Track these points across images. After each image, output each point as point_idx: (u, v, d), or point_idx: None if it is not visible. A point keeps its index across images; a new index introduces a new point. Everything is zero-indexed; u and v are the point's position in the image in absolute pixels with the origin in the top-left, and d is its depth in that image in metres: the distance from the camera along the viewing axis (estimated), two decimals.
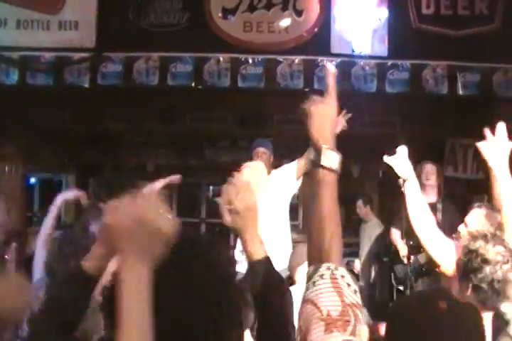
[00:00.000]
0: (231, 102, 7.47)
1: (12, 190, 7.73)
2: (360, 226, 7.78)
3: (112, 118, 8.07)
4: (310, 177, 1.54)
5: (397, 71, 6.18)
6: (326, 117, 1.62)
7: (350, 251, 7.73)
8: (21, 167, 7.90)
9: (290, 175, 5.39)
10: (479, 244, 2.20)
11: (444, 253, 2.56)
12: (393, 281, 6.10)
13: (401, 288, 5.94)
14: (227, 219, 1.64)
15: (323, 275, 1.36)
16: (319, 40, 6.11)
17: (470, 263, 2.17)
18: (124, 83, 6.19)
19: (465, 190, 7.72)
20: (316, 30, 6.13)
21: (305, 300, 1.35)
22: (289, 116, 8.14)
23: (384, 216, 8.99)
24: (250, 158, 5.28)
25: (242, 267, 5.09)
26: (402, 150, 2.94)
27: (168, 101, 7.58)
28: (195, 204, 10.19)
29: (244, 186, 1.69)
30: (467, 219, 3.33)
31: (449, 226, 5.60)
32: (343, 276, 1.37)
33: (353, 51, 6.09)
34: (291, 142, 8.65)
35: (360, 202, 7.69)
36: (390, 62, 6.18)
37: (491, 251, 2.14)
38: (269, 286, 1.62)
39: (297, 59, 6.12)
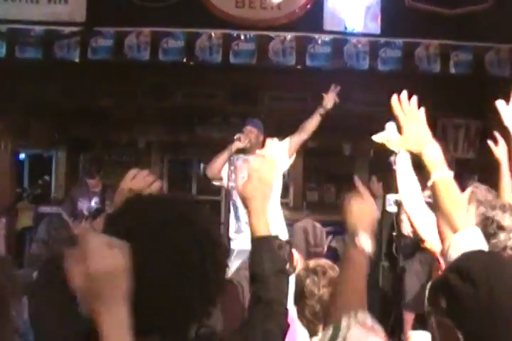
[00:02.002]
0: (223, 78, 7.44)
1: (2, 166, 7.70)
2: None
3: (102, 93, 8.02)
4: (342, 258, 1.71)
5: (390, 49, 6.14)
6: (366, 212, 1.77)
7: (339, 229, 7.75)
8: (10, 143, 7.85)
9: (282, 152, 5.38)
10: (496, 212, 2.26)
11: (430, 229, 2.58)
12: (394, 251, 6.18)
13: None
14: (240, 185, 1.73)
15: (349, 326, 1.42)
16: (312, 17, 6.05)
17: (485, 229, 2.18)
18: (115, 58, 6.13)
19: (455, 169, 7.76)
20: (308, 6, 6.07)
21: None
22: (280, 92, 8.11)
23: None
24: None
25: (235, 244, 5.12)
26: (391, 126, 2.94)
27: (160, 77, 7.54)
28: (185, 181, 10.19)
29: (268, 161, 1.79)
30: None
31: None
32: (365, 317, 1.45)
33: (345, 28, 6.05)
34: (282, 118, 8.64)
35: (374, 178, 7.79)
36: (382, 40, 6.15)
37: (507, 219, 2.18)
38: (269, 266, 1.63)
39: (289, 35, 6.07)
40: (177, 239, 1.26)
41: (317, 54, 6.09)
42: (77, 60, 6.15)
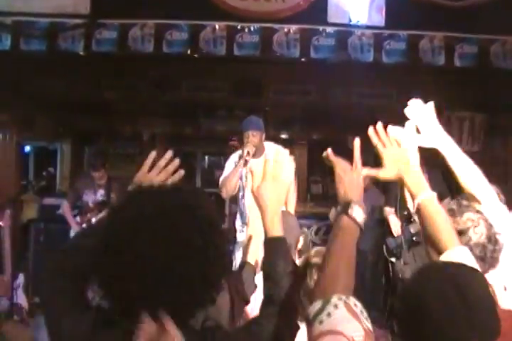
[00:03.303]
0: (227, 70, 7.43)
1: (7, 158, 7.72)
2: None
3: (106, 86, 8.02)
4: (334, 226, 1.66)
5: (394, 41, 6.12)
6: (354, 181, 1.81)
7: None
8: (16, 135, 7.86)
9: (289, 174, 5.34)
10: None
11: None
12: (385, 253, 6.18)
13: (393, 259, 6.02)
14: (255, 186, 1.79)
15: (337, 305, 1.39)
16: (316, 9, 6.04)
17: None
18: (119, 50, 6.13)
19: None
20: None
21: (323, 333, 1.36)
22: (284, 85, 8.10)
23: (379, 188, 9.03)
24: (241, 138, 5.19)
25: (241, 236, 5.07)
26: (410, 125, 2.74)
27: (164, 69, 7.53)
28: (190, 174, 10.20)
29: (281, 165, 1.88)
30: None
31: (438, 195, 5.71)
32: (355, 305, 1.41)
33: (350, 21, 6.03)
34: (287, 111, 8.64)
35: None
36: (387, 33, 6.13)
37: (461, 222, 2.21)
38: (282, 267, 1.66)
39: (294, 28, 6.06)
40: (178, 226, 1.29)
41: (321, 46, 6.08)
42: (81, 52, 6.16)
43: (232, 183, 4.99)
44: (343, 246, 1.56)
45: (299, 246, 3.12)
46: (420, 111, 2.45)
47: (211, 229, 1.33)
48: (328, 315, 1.37)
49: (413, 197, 1.96)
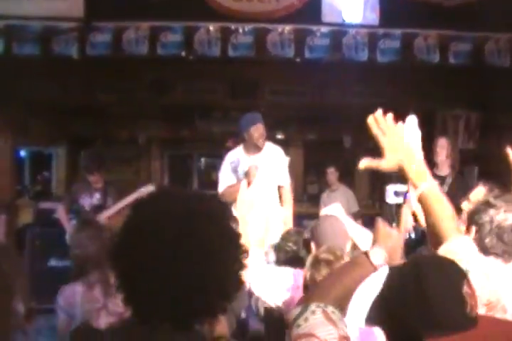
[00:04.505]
0: (222, 72, 7.42)
1: (2, 163, 7.69)
2: (326, 193, 7.95)
3: (101, 89, 8.00)
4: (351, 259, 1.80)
5: (389, 40, 6.13)
6: (396, 246, 1.85)
7: None
8: (10, 140, 7.84)
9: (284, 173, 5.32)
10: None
11: None
12: None
13: None
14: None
15: (314, 311, 1.45)
16: (310, 9, 6.04)
17: (476, 209, 2.23)
18: (114, 53, 6.11)
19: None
20: None
21: (298, 336, 1.41)
22: (279, 85, 8.11)
23: (376, 186, 9.04)
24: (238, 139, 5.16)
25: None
26: (412, 119, 2.82)
27: (159, 71, 7.52)
28: (187, 176, 10.19)
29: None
30: (471, 195, 3.66)
31: (453, 201, 5.68)
32: (333, 312, 1.47)
33: (344, 20, 6.03)
34: (282, 112, 8.65)
35: (332, 169, 7.81)
36: (381, 31, 6.13)
37: (498, 200, 2.19)
38: None
39: (288, 28, 6.05)
40: (202, 233, 1.26)
41: (316, 46, 6.07)
42: (75, 56, 6.13)
43: (233, 197, 4.96)
44: (349, 278, 1.63)
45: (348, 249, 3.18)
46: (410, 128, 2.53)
47: (232, 242, 1.31)
48: (306, 319, 1.43)
49: (414, 187, 1.93)
